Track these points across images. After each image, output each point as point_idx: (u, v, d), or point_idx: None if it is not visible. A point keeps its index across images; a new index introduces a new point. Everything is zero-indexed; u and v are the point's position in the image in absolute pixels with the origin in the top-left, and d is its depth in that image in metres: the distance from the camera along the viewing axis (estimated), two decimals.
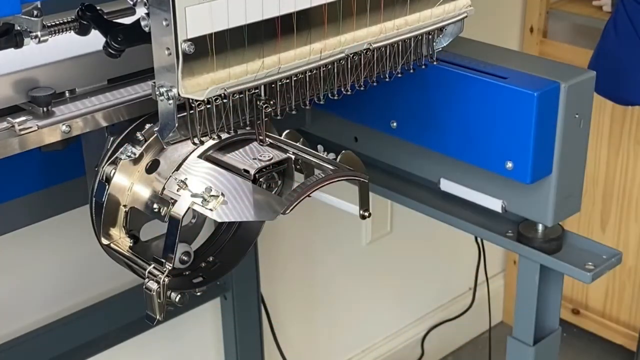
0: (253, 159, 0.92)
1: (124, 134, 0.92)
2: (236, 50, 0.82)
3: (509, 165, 1.06)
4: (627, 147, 2.22)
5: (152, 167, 0.92)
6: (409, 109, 1.15)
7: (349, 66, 0.93)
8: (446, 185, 1.18)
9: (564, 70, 1.07)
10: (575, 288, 2.43)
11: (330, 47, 0.90)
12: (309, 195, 0.88)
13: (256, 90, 0.86)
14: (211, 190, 0.86)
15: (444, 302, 2.41)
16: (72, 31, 0.91)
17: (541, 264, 1.14)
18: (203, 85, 0.80)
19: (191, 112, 0.82)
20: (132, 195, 0.92)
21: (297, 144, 0.95)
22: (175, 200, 0.88)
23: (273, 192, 0.95)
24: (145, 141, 0.90)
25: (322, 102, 0.93)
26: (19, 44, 0.86)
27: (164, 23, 0.76)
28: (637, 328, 2.31)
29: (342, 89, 0.94)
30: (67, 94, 0.93)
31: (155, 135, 0.89)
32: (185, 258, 0.94)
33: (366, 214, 0.94)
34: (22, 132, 0.85)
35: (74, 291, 1.56)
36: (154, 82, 0.80)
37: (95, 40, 0.91)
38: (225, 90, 0.81)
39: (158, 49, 0.79)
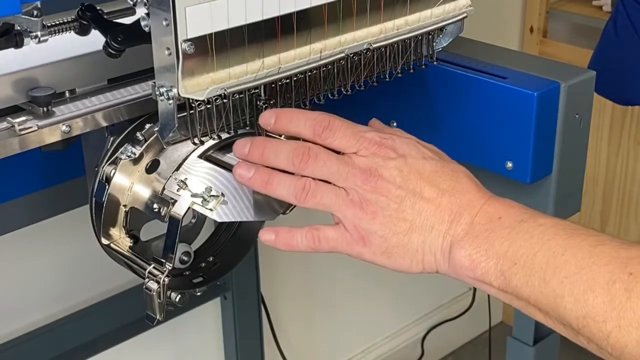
0: None
1: (124, 134, 0.92)
2: (236, 50, 0.82)
3: (509, 165, 1.06)
4: (627, 147, 2.22)
5: (152, 167, 0.92)
6: (409, 109, 1.15)
7: (349, 66, 0.93)
8: None
9: (564, 70, 1.07)
10: None
11: (330, 47, 0.90)
12: None
13: (256, 90, 0.86)
14: (211, 190, 0.86)
15: (444, 302, 2.42)
16: (72, 31, 0.91)
17: None
18: (203, 85, 0.80)
19: (191, 112, 0.82)
20: (132, 195, 0.92)
21: None
22: (175, 200, 0.88)
23: None
24: (145, 141, 0.90)
25: (322, 102, 0.93)
26: (19, 44, 0.86)
27: (164, 23, 0.76)
28: None
29: (342, 89, 0.94)
30: (67, 94, 0.93)
31: (155, 135, 0.89)
32: (185, 258, 0.94)
33: None
34: (22, 132, 0.85)
35: (74, 291, 1.56)
36: (154, 82, 0.80)
37: (95, 40, 0.91)
38: (225, 90, 0.81)
39: (158, 49, 0.79)
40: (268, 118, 0.84)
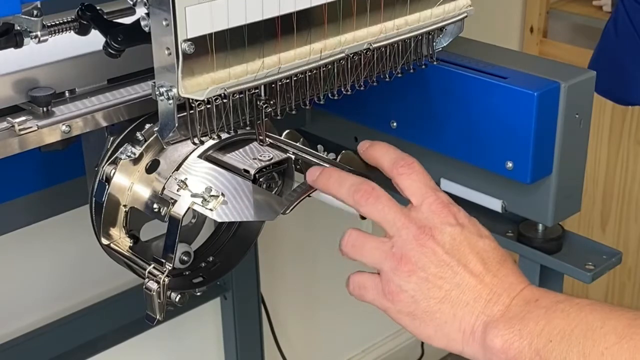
0: (253, 159, 0.92)
1: (124, 134, 0.92)
2: (236, 50, 0.82)
3: (509, 165, 1.06)
4: (627, 147, 2.22)
5: (152, 167, 0.92)
6: (409, 109, 1.15)
7: (349, 66, 0.93)
8: (446, 185, 1.18)
9: (564, 70, 1.07)
10: (575, 288, 2.43)
11: (330, 47, 0.90)
12: (309, 195, 0.88)
13: (256, 90, 0.86)
14: (211, 190, 0.86)
15: None
16: (72, 31, 0.91)
17: (541, 264, 1.14)
18: (203, 85, 0.80)
19: (191, 112, 0.82)
20: (132, 195, 0.92)
21: (297, 144, 0.95)
22: (175, 200, 0.88)
23: (273, 192, 0.95)
24: (145, 141, 0.90)
25: (322, 102, 0.93)
26: (19, 44, 0.86)
27: (164, 23, 0.76)
28: None
29: (342, 89, 0.94)
30: (67, 94, 0.93)
31: (155, 135, 0.88)
32: (185, 258, 0.94)
33: None
34: (22, 132, 0.85)
35: (74, 291, 1.56)
36: (154, 82, 0.80)
37: (95, 40, 0.91)
38: (225, 90, 0.81)
39: (158, 49, 0.79)
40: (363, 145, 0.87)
